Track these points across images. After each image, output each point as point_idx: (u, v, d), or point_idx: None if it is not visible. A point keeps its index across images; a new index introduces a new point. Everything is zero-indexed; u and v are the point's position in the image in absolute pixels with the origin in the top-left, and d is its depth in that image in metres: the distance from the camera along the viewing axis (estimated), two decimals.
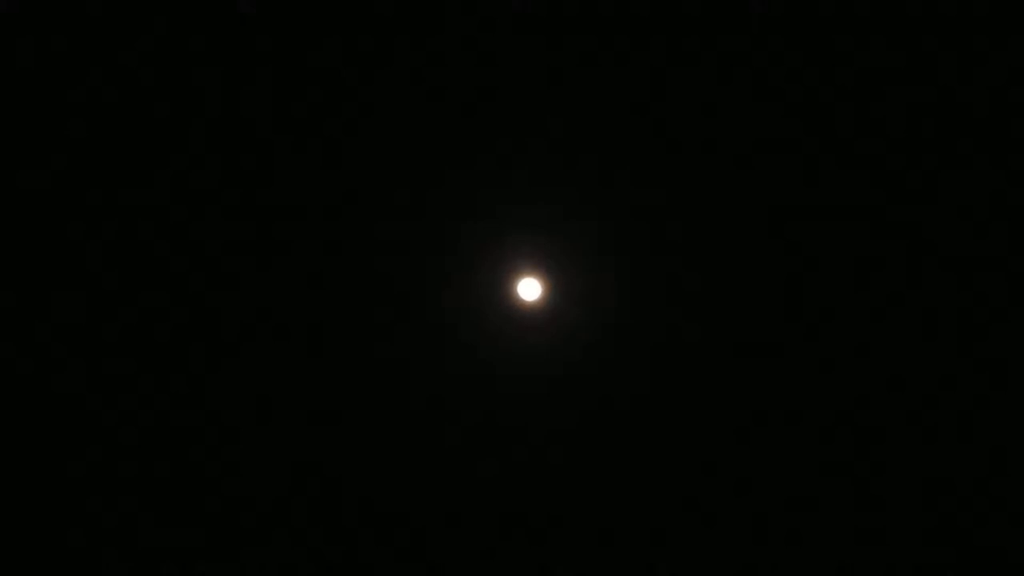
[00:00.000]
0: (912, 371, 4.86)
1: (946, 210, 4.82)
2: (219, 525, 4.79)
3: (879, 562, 4.84)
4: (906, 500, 4.84)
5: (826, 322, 4.91)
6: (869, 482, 4.87)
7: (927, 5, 4.68)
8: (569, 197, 4.86)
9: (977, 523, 4.80)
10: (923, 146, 4.80)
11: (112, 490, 4.74)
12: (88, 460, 4.73)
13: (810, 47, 4.72)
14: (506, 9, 4.66)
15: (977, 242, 4.81)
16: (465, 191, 4.80)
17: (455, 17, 4.67)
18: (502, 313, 4.90)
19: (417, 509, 4.89)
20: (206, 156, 4.71)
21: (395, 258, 4.83)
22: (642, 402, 4.92)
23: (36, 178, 4.66)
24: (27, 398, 4.69)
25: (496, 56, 4.70)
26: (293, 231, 4.78)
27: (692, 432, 4.92)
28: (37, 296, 4.70)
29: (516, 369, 4.91)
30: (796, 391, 4.91)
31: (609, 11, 4.69)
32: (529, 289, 4.90)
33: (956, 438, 4.83)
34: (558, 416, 4.94)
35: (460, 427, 4.90)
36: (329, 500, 4.85)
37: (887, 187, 4.83)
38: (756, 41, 4.72)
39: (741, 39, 4.73)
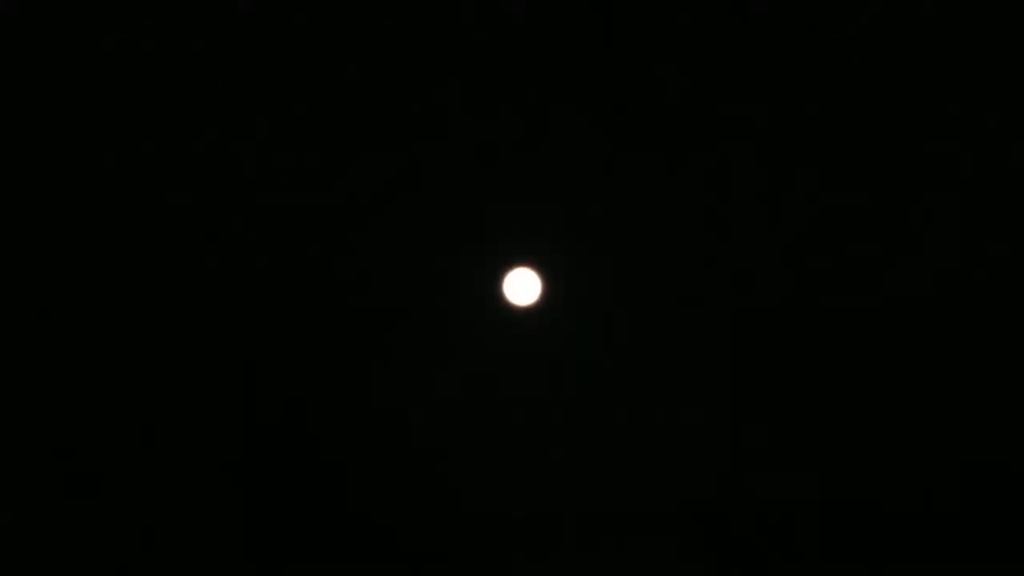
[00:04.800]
0: None
1: None
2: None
3: None
4: None
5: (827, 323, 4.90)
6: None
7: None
8: (569, 191, 4.86)
9: None
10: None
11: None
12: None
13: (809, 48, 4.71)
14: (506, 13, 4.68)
15: None
16: (460, 190, 4.82)
17: (456, 18, 4.69)
18: (490, 313, 4.91)
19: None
20: (206, 156, 4.75)
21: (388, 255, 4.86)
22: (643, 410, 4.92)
23: (36, 179, 4.73)
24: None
25: (491, 53, 4.72)
26: (288, 229, 4.82)
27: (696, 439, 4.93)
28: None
29: (508, 375, 4.91)
30: (800, 393, 4.90)
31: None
32: (521, 286, 4.89)
33: None
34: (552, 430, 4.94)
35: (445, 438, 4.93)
36: (311, 511, 4.90)
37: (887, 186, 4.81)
38: (757, 42, 4.70)
39: (742, 40, 4.71)
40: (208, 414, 4.85)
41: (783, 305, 4.86)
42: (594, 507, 4.91)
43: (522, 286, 4.83)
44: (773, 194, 4.80)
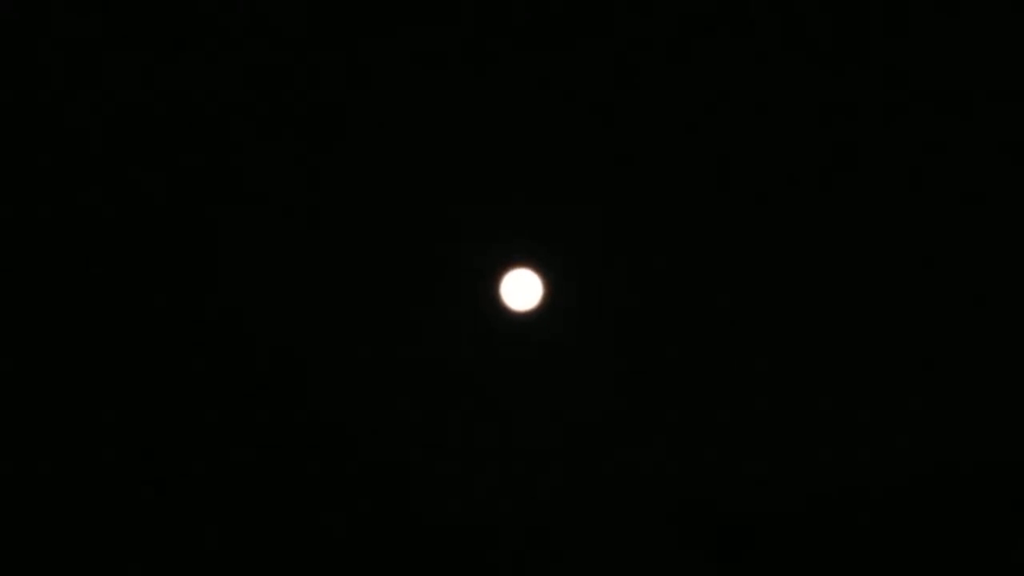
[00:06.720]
0: None
1: None
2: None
3: None
4: None
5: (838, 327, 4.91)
6: None
7: None
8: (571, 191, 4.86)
9: None
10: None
11: None
12: None
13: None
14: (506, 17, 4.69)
15: None
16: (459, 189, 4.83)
17: (455, 17, 4.69)
18: (487, 318, 4.91)
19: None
20: (205, 158, 4.76)
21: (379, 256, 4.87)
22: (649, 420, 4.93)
23: (36, 181, 4.73)
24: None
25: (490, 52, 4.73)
26: (287, 228, 4.83)
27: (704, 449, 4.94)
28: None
29: (507, 381, 4.92)
30: (801, 394, 4.91)
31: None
32: (521, 289, 4.87)
33: None
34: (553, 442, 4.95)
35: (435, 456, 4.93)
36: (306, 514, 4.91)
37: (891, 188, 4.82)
38: (757, 42, 4.71)
39: (743, 39, 4.72)
40: (206, 421, 4.87)
41: (784, 303, 4.88)
42: (595, 510, 4.93)
43: (522, 289, 4.83)
44: (773, 195, 4.82)
